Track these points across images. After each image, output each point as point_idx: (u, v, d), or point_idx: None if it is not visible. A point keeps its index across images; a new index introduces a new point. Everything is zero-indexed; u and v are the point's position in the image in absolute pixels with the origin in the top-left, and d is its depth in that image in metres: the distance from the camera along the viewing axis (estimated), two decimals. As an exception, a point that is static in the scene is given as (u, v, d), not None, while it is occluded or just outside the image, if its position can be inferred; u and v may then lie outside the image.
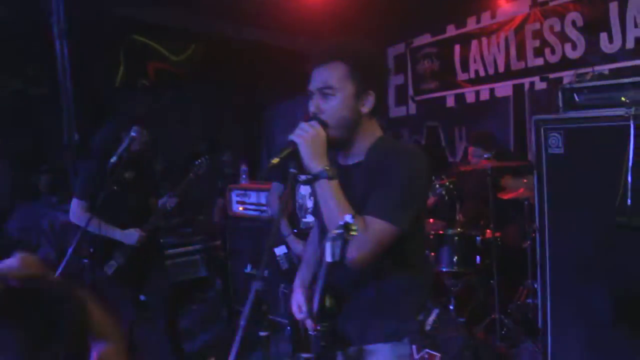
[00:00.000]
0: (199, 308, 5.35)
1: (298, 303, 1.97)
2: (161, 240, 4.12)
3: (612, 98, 2.83)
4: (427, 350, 1.68)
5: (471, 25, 5.69)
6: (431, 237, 3.89)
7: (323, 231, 1.75)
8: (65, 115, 4.58)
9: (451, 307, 3.83)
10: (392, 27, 6.23)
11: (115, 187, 3.07)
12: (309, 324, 1.96)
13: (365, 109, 1.70)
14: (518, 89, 5.30)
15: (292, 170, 1.59)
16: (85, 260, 2.95)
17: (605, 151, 2.82)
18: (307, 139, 1.58)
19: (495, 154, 4.31)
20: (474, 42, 5.63)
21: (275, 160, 1.56)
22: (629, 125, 2.68)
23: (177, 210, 3.64)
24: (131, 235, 3.33)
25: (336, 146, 1.73)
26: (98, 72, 6.27)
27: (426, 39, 6.24)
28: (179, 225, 6.03)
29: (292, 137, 1.60)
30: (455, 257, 3.77)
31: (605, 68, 4.20)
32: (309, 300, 1.92)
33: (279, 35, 6.82)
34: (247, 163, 5.25)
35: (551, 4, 4.85)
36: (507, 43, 5.29)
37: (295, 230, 3.46)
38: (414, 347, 1.69)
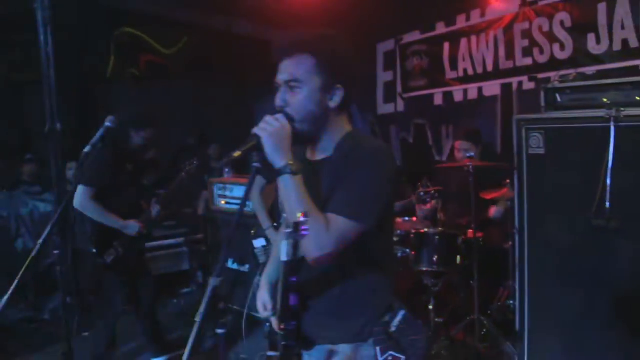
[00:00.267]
0: (178, 302, 5.31)
1: (263, 301, 1.93)
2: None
3: (594, 99, 2.81)
4: (392, 352, 1.63)
5: (461, 23, 5.66)
6: (412, 236, 3.86)
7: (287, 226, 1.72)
8: (46, 103, 4.51)
9: (430, 307, 3.80)
10: (382, 24, 6.21)
11: (122, 177, 3.33)
12: (274, 322, 1.93)
13: (333, 103, 1.66)
14: (506, 88, 5.27)
15: (255, 164, 1.54)
16: (56, 252, 2.91)
17: (586, 152, 2.79)
18: (272, 132, 1.54)
19: (480, 154, 4.29)
20: (463, 41, 5.60)
21: (237, 154, 1.52)
22: (610, 127, 2.66)
23: (163, 204, 3.71)
24: (132, 227, 3.46)
25: (303, 140, 1.69)
26: (87, 62, 6.22)
27: (416, 36, 6.20)
28: (163, 218, 6.01)
29: (256, 130, 1.55)
30: (436, 257, 3.73)
31: (593, 69, 4.17)
32: (275, 298, 1.89)
33: (268, 30, 6.79)
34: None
35: (540, 3, 4.83)
36: (496, 42, 5.26)
37: (276, 224, 3.42)
38: (377, 348, 1.65)
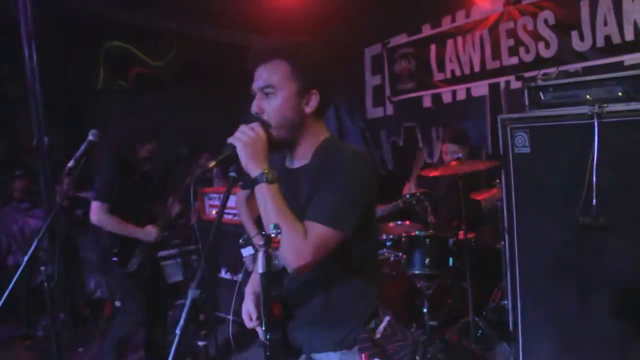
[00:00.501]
0: (173, 314, 5.27)
1: (248, 311, 1.91)
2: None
3: (577, 96, 2.81)
4: (377, 359, 1.62)
5: (446, 24, 5.67)
6: (403, 239, 3.84)
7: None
8: (33, 118, 4.49)
9: (425, 310, 3.78)
10: (369, 28, 6.21)
11: (132, 188, 3.44)
12: (260, 332, 1.91)
13: (309, 108, 1.65)
14: (494, 88, 5.28)
15: (230, 173, 1.53)
16: (43, 268, 2.88)
17: (571, 150, 2.80)
18: (246, 141, 1.53)
19: (468, 154, 4.29)
20: (450, 42, 5.61)
21: (212, 164, 1.51)
22: (593, 124, 2.66)
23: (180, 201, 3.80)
24: (149, 233, 3.52)
25: (280, 147, 1.68)
26: (76, 76, 6.19)
27: (402, 39, 6.20)
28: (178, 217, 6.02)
29: (231, 139, 1.54)
30: (428, 260, 3.71)
31: (578, 66, 4.17)
32: (259, 307, 1.87)
33: (257, 38, 6.77)
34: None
35: (524, 2, 4.85)
36: (482, 42, 5.27)
37: (264, 232, 3.39)
38: (363, 355, 1.63)
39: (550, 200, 2.93)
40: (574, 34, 4.41)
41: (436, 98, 5.91)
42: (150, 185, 3.78)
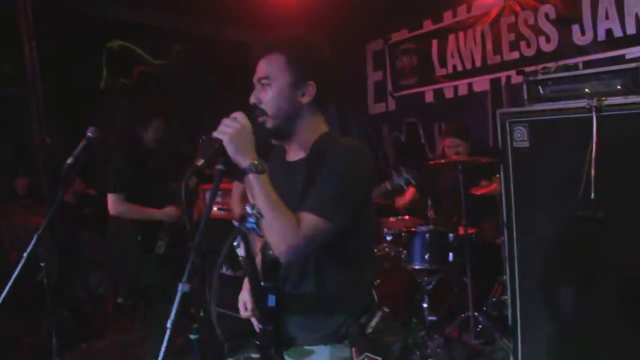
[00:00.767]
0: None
1: (244, 301, 1.92)
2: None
3: (576, 90, 2.80)
4: (368, 353, 1.62)
5: (448, 19, 5.65)
6: (403, 234, 3.84)
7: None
8: (34, 117, 4.51)
9: (425, 306, 3.78)
10: (370, 23, 6.19)
11: (145, 176, 3.44)
12: (255, 323, 1.92)
13: (305, 99, 1.67)
14: (495, 83, 5.26)
15: (218, 167, 1.53)
16: (42, 264, 2.90)
17: (570, 143, 2.78)
18: (232, 134, 1.51)
19: (470, 149, 4.27)
20: (451, 37, 5.59)
21: (201, 162, 1.50)
22: (592, 117, 2.64)
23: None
24: (169, 213, 3.52)
25: (277, 137, 1.72)
26: (78, 74, 6.21)
27: (404, 34, 6.19)
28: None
29: (215, 133, 1.53)
30: (427, 255, 3.71)
31: (579, 60, 4.16)
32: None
33: (259, 34, 6.75)
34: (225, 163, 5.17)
35: (525, -5, 4.82)
36: (484, 37, 5.25)
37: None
38: (353, 349, 1.63)
39: (549, 194, 2.91)
40: (575, 27, 4.39)
41: (438, 93, 5.90)
42: (163, 168, 3.76)
